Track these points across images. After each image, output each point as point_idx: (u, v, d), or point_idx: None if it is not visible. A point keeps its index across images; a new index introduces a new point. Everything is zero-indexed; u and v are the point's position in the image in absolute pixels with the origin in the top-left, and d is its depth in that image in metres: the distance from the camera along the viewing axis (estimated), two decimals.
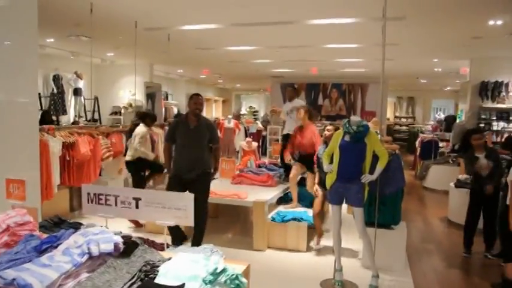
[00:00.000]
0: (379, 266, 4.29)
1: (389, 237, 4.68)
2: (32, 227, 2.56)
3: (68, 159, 5.77)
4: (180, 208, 2.58)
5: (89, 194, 2.79)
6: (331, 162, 4.20)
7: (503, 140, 8.67)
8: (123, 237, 2.35)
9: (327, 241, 5.49)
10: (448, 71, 12.94)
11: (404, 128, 20.60)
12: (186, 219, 2.59)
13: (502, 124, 10.42)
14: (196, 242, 4.54)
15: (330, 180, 4.15)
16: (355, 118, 4.05)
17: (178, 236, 4.55)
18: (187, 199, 2.58)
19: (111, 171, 6.98)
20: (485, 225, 5.45)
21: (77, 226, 3.11)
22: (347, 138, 4.04)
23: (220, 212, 6.66)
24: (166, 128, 9.05)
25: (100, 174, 6.58)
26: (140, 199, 2.66)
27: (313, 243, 5.42)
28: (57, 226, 3.16)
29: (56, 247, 2.25)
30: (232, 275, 2.12)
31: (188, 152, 4.77)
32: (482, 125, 10.25)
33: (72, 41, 8.71)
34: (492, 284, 4.49)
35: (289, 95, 7.19)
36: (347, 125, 4.02)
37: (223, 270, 2.10)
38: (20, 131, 4.06)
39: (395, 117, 21.39)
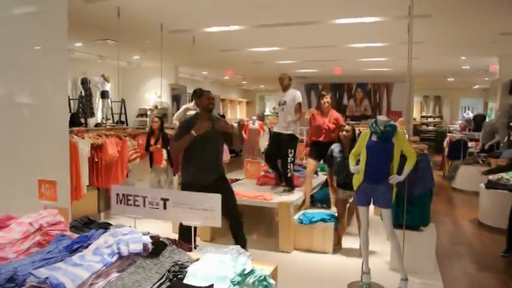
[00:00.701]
0: (407, 268, 4.20)
1: (418, 239, 4.59)
2: (63, 227, 2.62)
3: (96, 160, 5.89)
4: (207, 209, 2.59)
5: (118, 194, 2.83)
6: (357, 163, 4.15)
7: None
8: (151, 237, 2.38)
9: (353, 243, 5.43)
10: (477, 68, 12.62)
11: (431, 127, 20.20)
12: (213, 220, 2.59)
13: None
14: (242, 241, 4.33)
15: (356, 181, 4.09)
16: (382, 118, 3.99)
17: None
18: (214, 200, 2.59)
19: (138, 173, 7.08)
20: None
21: (106, 226, 3.16)
22: (374, 138, 3.98)
23: (245, 214, 6.65)
24: None
25: (127, 176, 6.69)
26: (168, 200, 2.68)
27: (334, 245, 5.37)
28: (87, 226, 3.22)
29: (87, 247, 2.29)
30: (260, 276, 2.12)
31: (206, 155, 4.28)
32: None
33: (99, 45, 8.90)
34: None
35: (285, 84, 6.08)
36: (374, 125, 3.96)
37: (251, 271, 2.10)
38: (51, 134, 4.16)
39: (422, 116, 20.98)
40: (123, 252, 2.15)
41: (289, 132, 5.92)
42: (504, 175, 6.49)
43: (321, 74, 15.01)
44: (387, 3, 6.02)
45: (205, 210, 2.59)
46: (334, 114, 5.98)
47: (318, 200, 6.08)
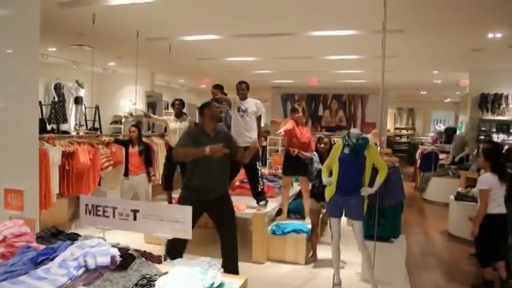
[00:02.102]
0: (378, 279, 4.25)
1: (388, 251, 4.65)
2: (29, 238, 2.55)
3: (68, 168, 5.76)
4: (178, 221, 2.56)
5: (87, 205, 2.77)
6: (330, 175, 4.20)
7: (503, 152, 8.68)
8: (120, 249, 2.34)
9: (325, 253, 5.47)
10: (448, 83, 12.99)
11: (404, 139, 20.62)
12: (184, 232, 2.57)
13: (502, 136, 10.41)
14: (234, 265, 4.22)
15: (329, 192, 4.14)
16: (354, 131, 4.06)
17: (177, 255, 3.64)
18: (185, 211, 2.57)
19: (111, 181, 6.95)
20: None
21: (74, 237, 3.10)
22: (346, 150, 4.04)
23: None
24: (167, 138, 9.07)
25: (99, 184, 6.56)
26: (138, 211, 2.65)
27: (308, 256, 5.40)
28: (54, 237, 3.15)
29: (53, 259, 2.24)
30: None
31: (212, 168, 4.01)
32: (482, 137, 10.25)
33: (74, 51, 8.76)
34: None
35: (243, 93, 5.73)
36: (346, 138, 4.02)
37: (221, 285, 2.09)
38: (19, 140, 4.05)
39: (396, 128, 21.41)
40: (89, 265, 2.11)
41: (250, 144, 5.44)
42: (474, 189, 6.66)
43: (297, 84, 15.16)
44: (362, 17, 6.14)
45: (176, 222, 2.57)
46: (305, 127, 6.04)
47: (291, 210, 6.11)
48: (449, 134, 14.05)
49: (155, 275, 2.13)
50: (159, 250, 3.42)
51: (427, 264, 5.68)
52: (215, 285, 2.05)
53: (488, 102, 10.25)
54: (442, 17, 6.09)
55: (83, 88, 10.94)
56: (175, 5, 5.90)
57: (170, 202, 6.96)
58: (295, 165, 5.72)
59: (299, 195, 6.55)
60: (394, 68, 9.49)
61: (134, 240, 5.84)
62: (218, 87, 6.32)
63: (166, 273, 2.15)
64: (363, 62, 9.78)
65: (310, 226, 5.42)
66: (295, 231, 5.28)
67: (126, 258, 2.24)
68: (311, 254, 5.42)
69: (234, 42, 8.13)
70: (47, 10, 4.85)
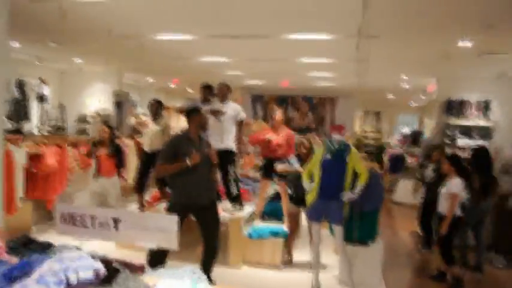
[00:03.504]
0: (355, 281, 4.26)
1: (366, 254, 4.67)
2: (0, 251, 2.36)
3: (34, 170, 5.48)
4: (164, 230, 2.44)
5: (63, 213, 2.60)
6: (311, 180, 4.17)
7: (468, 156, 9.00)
8: (102, 262, 2.20)
9: (302, 256, 5.45)
10: (415, 87, 13.28)
11: (371, 141, 20.97)
12: (170, 242, 2.45)
13: (466, 141, 10.74)
14: (208, 271, 4.21)
15: (310, 197, 4.10)
16: (337, 137, 4.05)
17: (159, 262, 3.67)
18: (170, 220, 2.45)
19: (78, 183, 6.68)
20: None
21: (47, 246, 2.91)
22: (329, 156, 4.02)
23: (191, 227, 6.48)
24: (138, 138, 8.82)
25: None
26: (120, 220, 2.51)
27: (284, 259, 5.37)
28: (25, 247, 2.93)
29: (29, 274, 2.07)
30: None
31: (200, 175, 4.03)
32: (448, 142, 10.55)
33: (39, 47, 8.36)
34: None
35: (223, 93, 5.61)
36: (329, 143, 4.00)
37: None
38: None
39: (362, 131, 21.76)
40: (72, 281, 1.97)
41: (226, 147, 5.40)
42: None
43: (267, 85, 15.14)
44: (338, 22, 6.16)
45: (161, 231, 2.45)
46: (285, 130, 5.83)
47: (267, 213, 6.05)
48: (415, 137, 14.44)
49: None
50: (133, 257, 3.29)
51: (399, 264, 5.78)
52: None
53: (454, 108, 10.56)
54: (416, 24, 6.18)
55: (46, 85, 10.49)
56: (148, 2, 5.71)
57: (142, 204, 6.78)
58: (273, 169, 5.65)
59: (275, 197, 6.50)
60: (366, 71, 9.61)
61: (103, 245, 5.64)
62: (208, 88, 5.95)
63: (154, 286, 2.03)
64: (335, 65, 9.85)
65: (287, 229, 5.38)
66: (272, 234, 5.22)
67: (110, 272, 2.11)
68: (286, 256, 5.37)
69: (207, 42, 7.98)
70: (15, 4, 4.57)
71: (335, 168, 3.98)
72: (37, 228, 6.15)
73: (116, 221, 2.52)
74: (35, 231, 6.03)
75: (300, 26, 6.59)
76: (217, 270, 4.79)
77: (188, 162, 3.86)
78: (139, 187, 6.81)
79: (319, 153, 4.10)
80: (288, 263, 5.33)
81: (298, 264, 5.35)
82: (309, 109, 16.38)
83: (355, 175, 4.07)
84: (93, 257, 2.49)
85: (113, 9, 5.97)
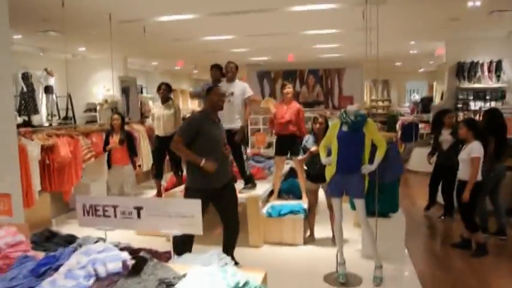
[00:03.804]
0: (379, 255, 4.22)
1: (388, 226, 4.63)
2: (25, 247, 2.35)
3: (48, 163, 5.47)
4: (187, 216, 2.40)
5: (84, 205, 2.57)
6: (328, 154, 4.10)
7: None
8: (130, 252, 2.18)
9: (321, 233, 5.43)
10: (424, 52, 12.99)
11: (380, 111, 20.74)
12: (194, 228, 2.41)
13: (479, 104, 10.54)
14: (231, 253, 4.19)
15: (329, 172, 4.04)
16: (352, 108, 3.94)
17: (185, 250, 3.40)
18: (194, 205, 2.40)
19: (93, 173, 6.67)
20: (443, 194, 6.48)
21: (71, 239, 2.90)
22: (345, 128, 3.93)
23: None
24: (147, 124, 8.78)
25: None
26: (142, 208, 2.46)
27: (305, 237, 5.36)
28: (49, 241, 2.94)
29: (56, 269, 2.05)
30: (255, 287, 1.98)
31: (219, 157, 3.97)
32: (460, 106, 10.37)
33: (41, 37, 8.26)
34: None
35: (232, 74, 5.52)
36: (344, 115, 3.90)
37: (246, 284, 1.96)
38: None
39: (371, 100, 21.50)
40: (100, 273, 1.94)
41: (237, 127, 5.36)
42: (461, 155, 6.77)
43: (272, 61, 14.91)
44: None
45: (184, 217, 2.41)
46: (295, 105, 5.81)
47: (284, 191, 6.02)
48: (425, 104, 14.23)
49: (173, 277, 1.97)
50: (155, 243, 3.29)
51: (421, 234, 5.75)
52: (240, 285, 1.92)
53: (465, 70, 10.32)
54: None
55: (52, 76, 10.42)
56: None
57: (159, 191, 6.78)
58: (286, 145, 5.61)
59: (290, 174, 6.46)
60: (372, 40, 9.37)
61: (122, 234, 5.68)
62: (217, 67, 5.82)
63: (184, 275, 1.99)
64: (342, 35, 9.63)
65: (306, 206, 5.34)
66: (292, 212, 5.19)
67: (138, 262, 2.07)
68: (309, 234, 5.37)
69: (210, 20, 7.82)
70: None
71: (353, 140, 3.88)
72: (56, 221, 6.20)
73: (138, 210, 2.48)
74: (54, 223, 6.08)
75: None
76: (237, 251, 4.79)
77: (203, 165, 3.82)
78: (158, 173, 6.80)
79: (335, 126, 4.00)
80: (311, 240, 5.31)
81: (319, 240, 5.34)
82: (316, 82, 16.15)
83: (373, 146, 3.99)
84: (118, 246, 2.47)
85: None
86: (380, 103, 21.40)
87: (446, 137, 6.30)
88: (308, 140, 4.97)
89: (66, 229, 4.77)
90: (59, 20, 6.31)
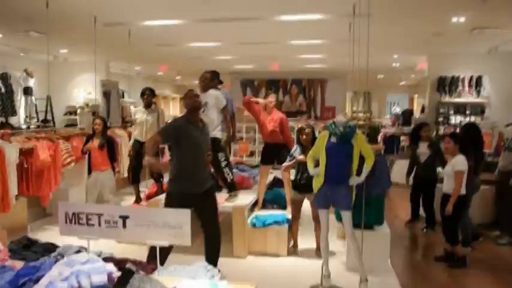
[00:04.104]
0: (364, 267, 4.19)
1: (373, 239, 4.60)
2: (3, 256, 2.23)
3: (26, 166, 5.29)
4: (175, 226, 2.32)
5: (67, 213, 2.45)
6: (316, 165, 4.07)
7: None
8: (115, 263, 2.08)
9: (305, 243, 5.38)
10: (406, 66, 13.22)
11: (361, 122, 20.94)
12: (182, 238, 2.33)
13: (459, 118, 10.73)
14: (215, 262, 4.06)
15: (317, 184, 4.00)
16: (341, 119, 3.93)
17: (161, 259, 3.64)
18: (183, 215, 2.33)
19: (72, 178, 6.49)
20: (424, 206, 6.57)
21: (51, 248, 2.78)
22: (333, 140, 3.91)
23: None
24: (129, 129, 8.62)
25: None
26: (128, 217, 2.37)
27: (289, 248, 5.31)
28: (27, 249, 2.80)
29: (36, 280, 1.95)
30: None
31: (201, 162, 3.99)
32: (441, 119, 10.54)
33: (22, 37, 8.05)
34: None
35: (203, 84, 5.39)
36: (333, 127, 3.88)
37: None
38: None
39: (353, 112, 21.70)
40: (84, 286, 1.85)
41: (211, 136, 5.02)
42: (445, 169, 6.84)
43: (256, 70, 14.94)
44: (330, 1, 6.01)
45: (173, 228, 2.32)
46: (277, 114, 5.78)
47: (268, 200, 5.95)
48: (406, 117, 14.43)
49: None
50: (136, 251, 3.18)
51: (404, 247, 5.75)
52: None
53: (446, 85, 10.51)
54: (410, 1, 6.08)
55: (32, 77, 10.17)
56: None
57: (138, 196, 6.65)
58: (272, 154, 5.57)
59: (274, 184, 6.41)
60: (356, 52, 9.46)
61: (102, 241, 5.50)
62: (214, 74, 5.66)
63: None
64: (326, 46, 9.71)
65: (290, 216, 5.29)
66: (276, 222, 5.13)
67: (124, 274, 1.98)
68: (292, 244, 5.31)
69: (197, 27, 7.77)
70: None
71: (341, 152, 3.86)
72: (32, 226, 5.99)
73: (124, 219, 2.38)
74: (29, 229, 5.86)
75: (292, 6, 6.41)
76: (222, 262, 4.70)
77: (146, 160, 3.94)
78: (134, 178, 6.67)
79: (323, 137, 3.98)
80: (294, 251, 5.26)
81: (302, 251, 5.29)
82: (299, 92, 16.23)
83: (361, 158, 3.97)
84: (101, 256, 2.37)
85: None
86: (361, 114, 21.59)
87: (423, 150, 6.45)
88: (296, 150, 4.94)
89: (43, 236, 4.61)
90: (42, 20, 6.15)
